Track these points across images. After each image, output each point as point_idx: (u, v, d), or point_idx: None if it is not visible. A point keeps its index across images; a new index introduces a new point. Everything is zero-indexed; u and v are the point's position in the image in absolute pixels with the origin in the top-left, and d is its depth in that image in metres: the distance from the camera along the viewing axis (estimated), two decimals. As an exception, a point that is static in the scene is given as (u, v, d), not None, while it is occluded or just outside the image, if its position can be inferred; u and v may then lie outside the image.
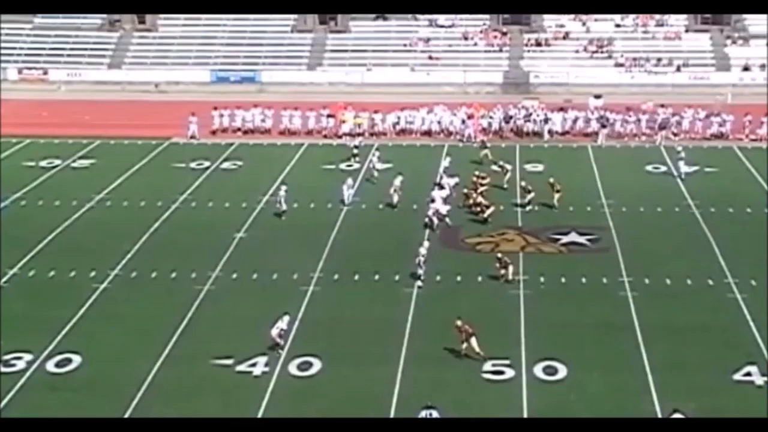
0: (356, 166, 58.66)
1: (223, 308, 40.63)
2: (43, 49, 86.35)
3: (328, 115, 67.26)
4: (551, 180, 52.09)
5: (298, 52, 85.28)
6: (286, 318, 37.21)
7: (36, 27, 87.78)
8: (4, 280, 43.48)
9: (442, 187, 51.87)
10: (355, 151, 60.68)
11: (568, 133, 66.19)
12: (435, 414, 30.89)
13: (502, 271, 42.68)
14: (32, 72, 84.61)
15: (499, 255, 43.47)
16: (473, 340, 36.16)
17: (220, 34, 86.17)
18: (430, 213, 49.21)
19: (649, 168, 58.89)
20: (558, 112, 67.21)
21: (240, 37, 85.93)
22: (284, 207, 50.50)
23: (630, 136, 65.20)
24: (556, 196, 51.51)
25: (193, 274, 43.73)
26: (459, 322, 36.52)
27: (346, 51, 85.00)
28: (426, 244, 43.70)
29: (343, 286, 42.49)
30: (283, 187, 51.20)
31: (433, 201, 50.01)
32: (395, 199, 52.01)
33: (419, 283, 42.20)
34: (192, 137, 65.22)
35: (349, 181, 53.68)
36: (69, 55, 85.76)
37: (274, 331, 36.79)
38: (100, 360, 36.43)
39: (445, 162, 56.62)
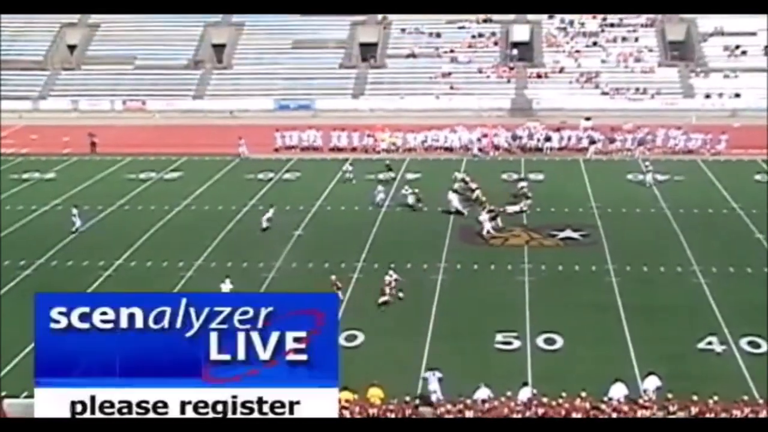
0: (392, 175, 58.02)
1: (285, 291, 40.52)
2: (143, 83, 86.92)
3: (369, 135, 67.26)
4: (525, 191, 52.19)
5: (344, 84, 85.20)
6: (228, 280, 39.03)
7: (137, 67, 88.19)
8: (112, 269, 43.80)
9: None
10: (387, 162, 60.19)
11: (564, 148, 65.78)
12: (438, 374, 30.74)
13: (383, 298, 39.25)
14: (134, 103, 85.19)
15: (388, 279, 39.91)
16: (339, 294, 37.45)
17: (282, 70, 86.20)
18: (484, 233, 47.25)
19: (629, 177, 58.35)
20: (555, 132, 66.89)
21: (298, 72, 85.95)
22: (265, 225, 48.60)
23: (614, 151, 64.71)
24: (527, 202, 51.15)
25: (260, 264, 43.78)
26: (333, 277, 39.07)
27: (383, 83, 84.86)
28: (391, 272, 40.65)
29: (381, 273, 42.13)
30: (271, 210, 49.67)
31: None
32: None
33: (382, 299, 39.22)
34: (242, 156, 65.06)
35: (379, 187, 53.56)
36: (163, 89, 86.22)
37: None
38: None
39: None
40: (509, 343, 35.42)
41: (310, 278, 41.51)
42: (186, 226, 50.42)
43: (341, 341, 35.57)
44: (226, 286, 39.61)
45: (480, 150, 64.74)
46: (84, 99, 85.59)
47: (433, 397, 30.08)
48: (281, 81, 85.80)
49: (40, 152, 67.42)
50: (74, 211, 49.50)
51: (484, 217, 47.59)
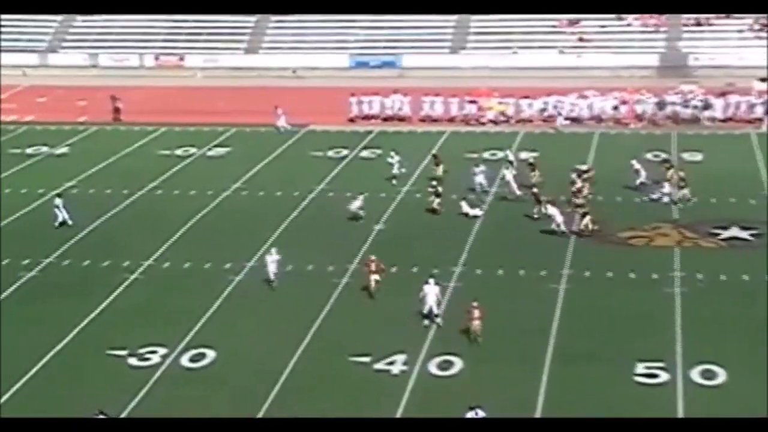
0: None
1: (361, 302, 40.91)
2: (180, 34, 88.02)
3: (471, 101, 67.20)
4: (682, 174, 51.39)
5: (440, 35, 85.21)
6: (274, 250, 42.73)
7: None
8: (139, 271, 44.55)
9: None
10: (434, 152, 57.98)
11: (730, 119, 64.90)
12: (481, 414, 30.69)
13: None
14: (169, 58, 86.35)
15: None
16: (374, 277, 40.91)
17: (360, 17, 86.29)
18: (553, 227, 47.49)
19: (820, 157, 57.34)
20: (719, 97, 65.99)
21: (380, 19, 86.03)
22: (362, 213, 49.58)
23: (799, 123, 63.66)
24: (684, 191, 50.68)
25: (330, 267, 44.07)
26: (373, 257, 41.67)
27: (490, 33, 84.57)
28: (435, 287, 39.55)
29: (486, 282, 42.29)
30: (361, 197, 50.02)
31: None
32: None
33: (439, 321, 39.02)
34: (280, 128, 65.63)
35: (476, 168, 53.25)
36: (205, 41, 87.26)
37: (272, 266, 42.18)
38: (235, 355, 37.00)
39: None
40: (654, 376, 35.02)
41: (394, 286, 41.43)
42: (235, 217, 51.06)
43: (432, 369, 35.70)
44: (272, 258, 41.87)
45: (602, 119, 64.49)
46: (105, 52, 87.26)
47: None
48: (358, 30, 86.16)
49: (49, 120, 68.99)
50: (58, 201, 50.29)
51: (552, 210, 47.32)
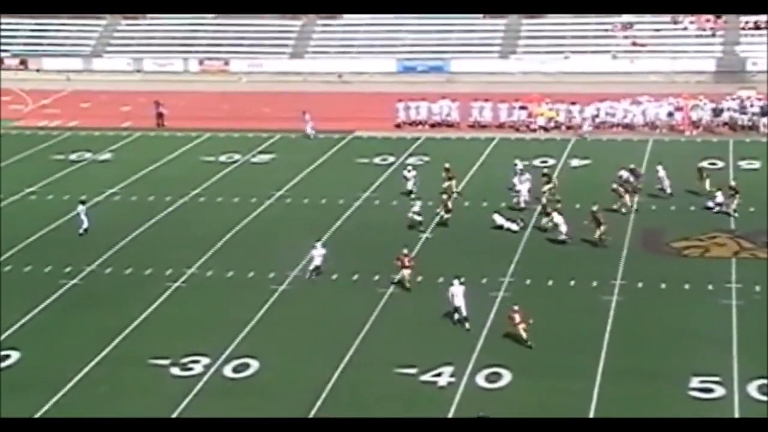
0: (453, 187, 54.89)
1: (407, 312, 40.89)
2: (225, 38, 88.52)
3: (521, 107, 67.04)
4: (732, 184, 50.96)
5: (489, 40, 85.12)
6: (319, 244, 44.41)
7: (218, 16, 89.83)
8: (181, 280, 44.82)
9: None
10: (447, 165, 56.10)
11: (790, 126, 64.53)
12: None
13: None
14: (213, 63, 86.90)
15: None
16: (405, 271, 42.39)
17: (407, 21, 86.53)
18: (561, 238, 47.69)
19: None
20: (778, 104, 65.61)
21: (428, 23, 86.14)
22: (419, 218, 49.50)
23: None
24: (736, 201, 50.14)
25: (375, 277, 44.09)
26: (405, 250, 43.12)
27: (541, 37, 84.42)
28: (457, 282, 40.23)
29: (535, 292, 42.17)
30: (419, 202, 50.26)
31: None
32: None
33: (468, 325, 39.45)
34: (307, 136, 65.84)
35: (526, 174, 53.00)
36: (250, 45, 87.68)
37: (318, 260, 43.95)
38: (279, 365, 37.07)
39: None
40: (710, 391, 34.72)
41: (441, 297, 41.14)
42: (279, 225, 51.26)
43: (480, 382, 35.62)
44: (318, 251, 43.58)
45: (656, 126, 64.21)
46: (149, 57, 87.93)
47: None
48: (406, 35, 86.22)
49: (92, 126, 69.67)
50: (81, 207, 50.63)
51: (558, 219, 47.27)
